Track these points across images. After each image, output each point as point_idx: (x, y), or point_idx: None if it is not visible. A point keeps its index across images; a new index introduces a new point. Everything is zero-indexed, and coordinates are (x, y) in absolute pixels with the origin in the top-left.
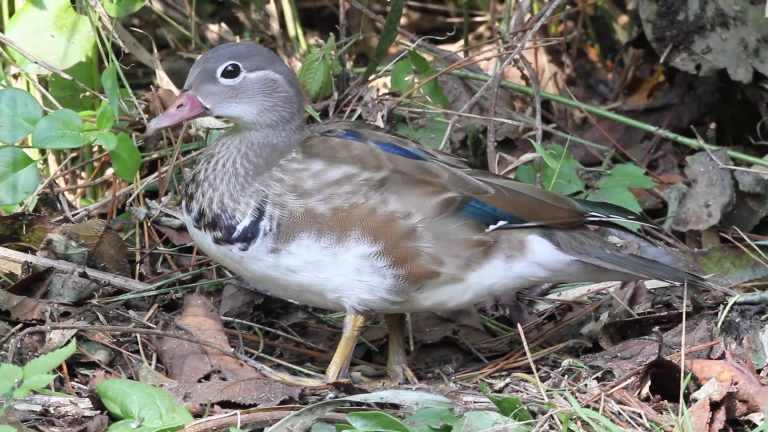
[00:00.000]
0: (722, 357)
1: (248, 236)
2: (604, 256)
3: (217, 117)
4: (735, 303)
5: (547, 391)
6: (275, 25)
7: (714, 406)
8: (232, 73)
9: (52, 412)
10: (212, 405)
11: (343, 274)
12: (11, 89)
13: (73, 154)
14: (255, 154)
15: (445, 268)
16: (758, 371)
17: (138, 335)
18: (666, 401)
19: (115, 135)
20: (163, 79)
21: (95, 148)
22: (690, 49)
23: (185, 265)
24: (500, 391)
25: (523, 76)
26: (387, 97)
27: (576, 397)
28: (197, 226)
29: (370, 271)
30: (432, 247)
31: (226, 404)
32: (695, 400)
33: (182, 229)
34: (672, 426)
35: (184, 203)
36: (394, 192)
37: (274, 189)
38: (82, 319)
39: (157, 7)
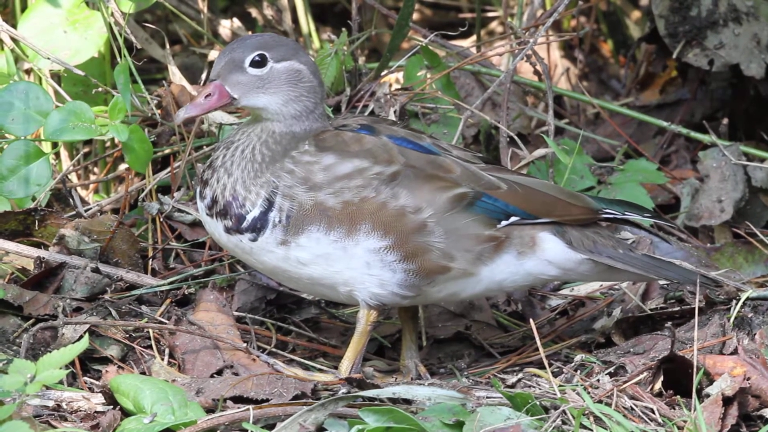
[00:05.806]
0: (735, 352)
1: (257, 227)
2: (616, 256)
3: (242, 107)
4: (747, 298)
5: (560, 386)
6: (288, 21)
7: (726, 401)
8: (260, 63)
9: (65, 407)
10: (225, 400)
11: (354, 268)
12: (23, 83)
13: (86, 150)
14: (275, 141)
15: (455, 263)
16: None
17: (150, 330)
18: (678, 396)
19: (126, 126)
20: (175, 75)
21: (107, 144)
22: (703, 45)
23: (198, 261)
24: (513, 386)
25: (536, 72)
26: (399, 92)
27: (588, 393)
28: (209, 213)
29: (380, 265)
30: (443, 242)
31: (238, 399)
32: (708, 396)
33: (195, 224)
34: (684, 421)
35: (198, 189)
36: (405, 186)
37: (285, 181)
38: (94, 314)
39: (170, 2)
